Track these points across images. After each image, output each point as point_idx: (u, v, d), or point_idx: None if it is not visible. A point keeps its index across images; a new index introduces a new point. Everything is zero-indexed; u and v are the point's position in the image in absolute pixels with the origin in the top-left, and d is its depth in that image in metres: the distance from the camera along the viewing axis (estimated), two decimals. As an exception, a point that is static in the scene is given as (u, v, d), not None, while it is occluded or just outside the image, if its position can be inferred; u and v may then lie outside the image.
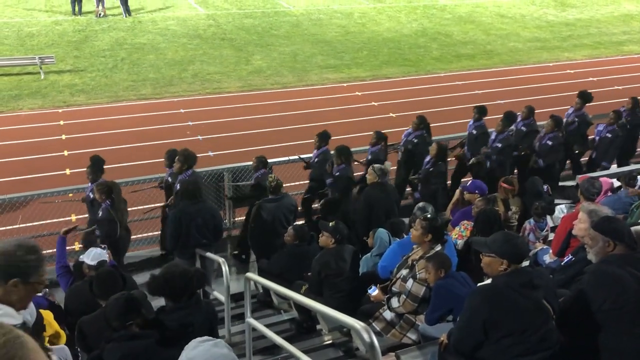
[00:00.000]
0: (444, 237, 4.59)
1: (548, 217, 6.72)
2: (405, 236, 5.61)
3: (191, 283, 3.55)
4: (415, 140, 9.06)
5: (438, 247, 4.47)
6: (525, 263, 5.71)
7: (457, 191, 7.29)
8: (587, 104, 9.80)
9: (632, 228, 3.93)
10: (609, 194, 6.72)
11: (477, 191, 6.76)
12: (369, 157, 8.64)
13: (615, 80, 17.44)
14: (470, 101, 14.54)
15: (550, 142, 8.91)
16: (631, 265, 3.30)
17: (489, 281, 3.37)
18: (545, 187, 7.66)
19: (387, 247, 5.46)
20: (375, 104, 15.29)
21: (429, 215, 4.67)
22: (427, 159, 8.42)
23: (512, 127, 9.47)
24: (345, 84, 16.76)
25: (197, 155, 11.49)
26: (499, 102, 14.91)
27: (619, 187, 6.87)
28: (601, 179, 6.48)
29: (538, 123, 9.70)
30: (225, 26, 22.31)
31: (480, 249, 3.35)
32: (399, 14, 25.25)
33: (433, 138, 9.29)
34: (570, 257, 4.39)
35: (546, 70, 18.31)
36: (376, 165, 7.27)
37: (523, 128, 9.60)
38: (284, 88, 16.30)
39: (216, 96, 15.52)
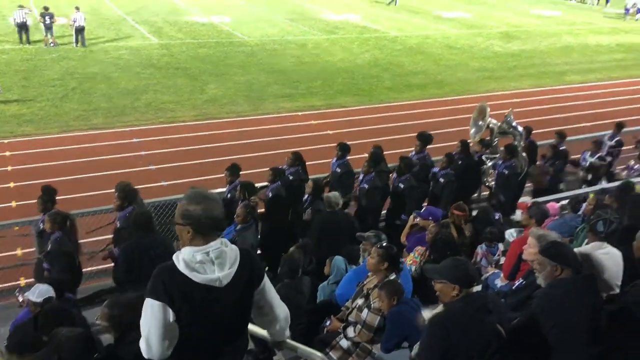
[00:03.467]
0: (400, 265, 4.62)
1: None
2: (361, 263, 5.63)
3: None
4: (291, 177, 8.67)
5: (393, 276, 4.49)
6: (478, 287, 5.83)
7: (411, 217, 7.39)
8: (428, 145, 9.41)
9: (576, 250, 4.09)
10: (556, 217, 6.96)
11: (430, 217, 6.89)
12: (269, 194, 8.31)
13: (558, 109, 18.20)
14: (422, 129, 14.88)
15: (366, 185, 8.50)
16: (578, 289, 3.41)
17: (440, 307, 3.42)
18: (497, 215, 7.88)
19: (344, 274, 5.47)
20: (331, 132, 15.44)
21: (384, 244, 4.70)
22: (305, 196, 8.20)
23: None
24: (300, 113, 16.90)
25: (150, 185, 11.51)
26: (449, 130, 15.30)
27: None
28: (548, 204, 6.72)
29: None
30: (179, 56, 22.24)
31: (431, 277, 3.41)
32: (351, 45, 25.77)
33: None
34: (521, 281, 4.50)
35: (494, 99, 18.88)
36: (331, 194, 7.36)
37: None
38: (239, 117, 16.29)
39: (170, 125, 15.36)
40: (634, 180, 8.51)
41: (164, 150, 13.68)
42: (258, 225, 7.21)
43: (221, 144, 14.16)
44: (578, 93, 20.47)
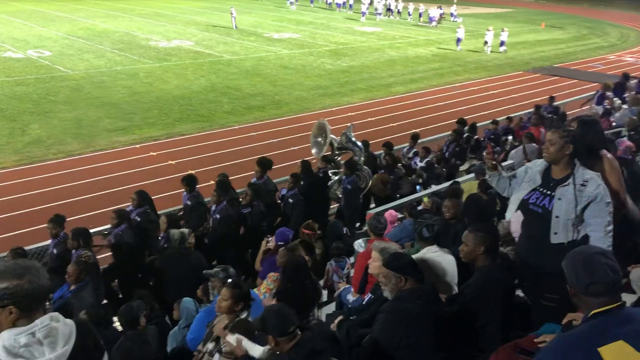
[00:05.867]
0: (250, 301, 4.42)
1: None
2: (212, 301, 5.39)
3: None
4: (138, 219, 8.15)
5: (244, 314, 4.26)
6: (332, 307, 5.89)
7: (263, 242, 7.28)
8: (268, 170, 9.45)
9: (415, 257, 4.27)
10: (396, 224, 7.31)
11: (281, 240, 6.80)
12: (112, 239, 7.80)
13: (389, 119, 19.45)
14: (266, 151, 14.98)
15: (218, 215, 8.34)
16: (421, 298, 3.55)
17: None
18: (344, 229, 8.09)
19: (195, 316, 5.19)
20: (173, 162, 14.93)
21: (232, 281, 4.49)
22: (161, 234, 7.84)
23: None
24: (138, 145, 16.11)
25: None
26: (292, 148, 15.60)
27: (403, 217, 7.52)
28: (386, 213, 7.02)
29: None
30: (-8, 96, 20.12)
31: (257, 329, 3.41)
32: (185, 71, 25.29)
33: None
34: (370, 295, 4.59)
35: (330, 115, 19.64)
36: (176, 231, 7.03)
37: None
38: (69, 157, 15.07)
39: (-13, 174, 13.75)
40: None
41: (-18, 203, 12.18)
42: (97, 282, 6.60)
43: (51, 188, 12.98)
44: (404, 102, 22.05)
